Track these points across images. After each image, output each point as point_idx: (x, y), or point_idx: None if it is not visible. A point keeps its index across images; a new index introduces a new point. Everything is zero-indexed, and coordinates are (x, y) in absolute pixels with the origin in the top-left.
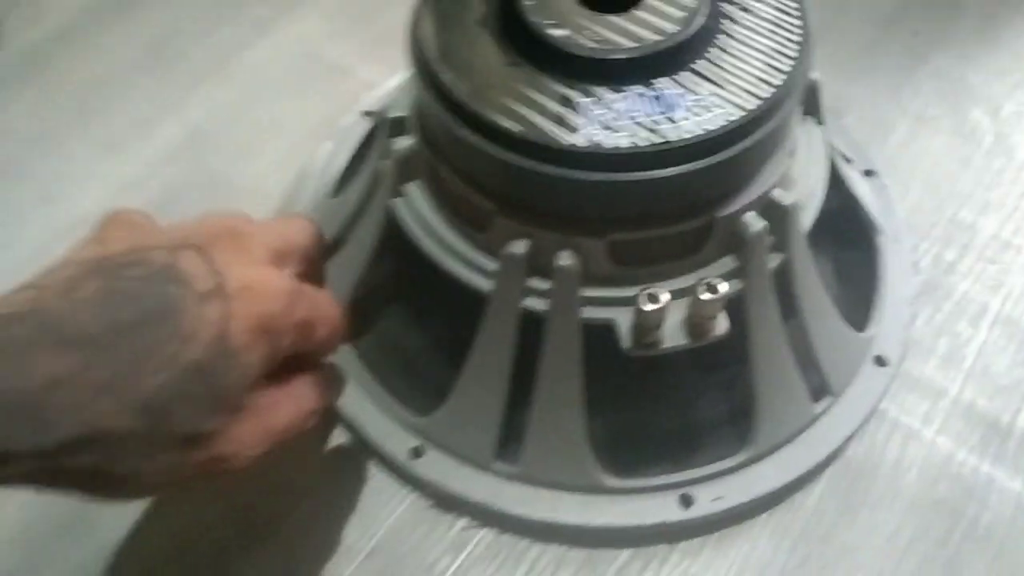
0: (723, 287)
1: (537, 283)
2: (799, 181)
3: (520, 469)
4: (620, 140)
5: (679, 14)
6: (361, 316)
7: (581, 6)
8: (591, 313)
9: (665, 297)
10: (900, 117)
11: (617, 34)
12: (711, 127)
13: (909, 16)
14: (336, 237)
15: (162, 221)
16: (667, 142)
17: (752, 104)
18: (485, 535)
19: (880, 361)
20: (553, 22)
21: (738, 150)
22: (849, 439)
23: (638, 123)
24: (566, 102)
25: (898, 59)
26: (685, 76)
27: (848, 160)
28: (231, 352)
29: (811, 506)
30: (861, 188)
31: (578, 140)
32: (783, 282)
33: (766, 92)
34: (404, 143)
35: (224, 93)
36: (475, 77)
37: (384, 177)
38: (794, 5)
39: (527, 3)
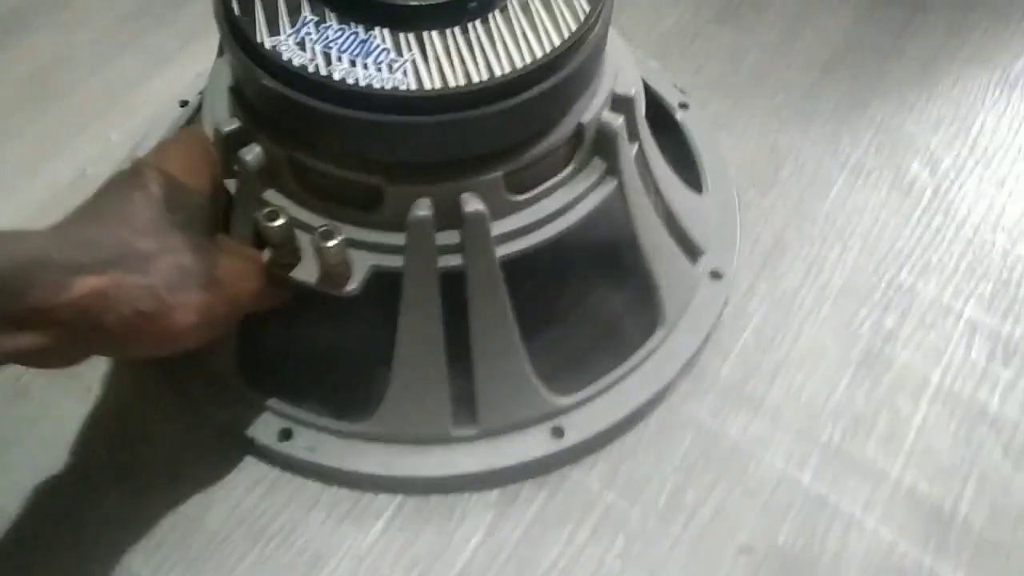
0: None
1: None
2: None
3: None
4: (296, 57)
5: None
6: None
7: None
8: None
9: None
10: (838, 170)
11: None
12: (375, 84)
13: (848, 60)
14: None
15: None
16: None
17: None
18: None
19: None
20: None
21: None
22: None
23: (324, 51)
24: (294, 12)
25: (837, 104)
26: (417, 36)
27: None
28: (181, 185)
29: None
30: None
31: (269, 43)
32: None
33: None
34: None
35: (117, 133)
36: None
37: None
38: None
39: None
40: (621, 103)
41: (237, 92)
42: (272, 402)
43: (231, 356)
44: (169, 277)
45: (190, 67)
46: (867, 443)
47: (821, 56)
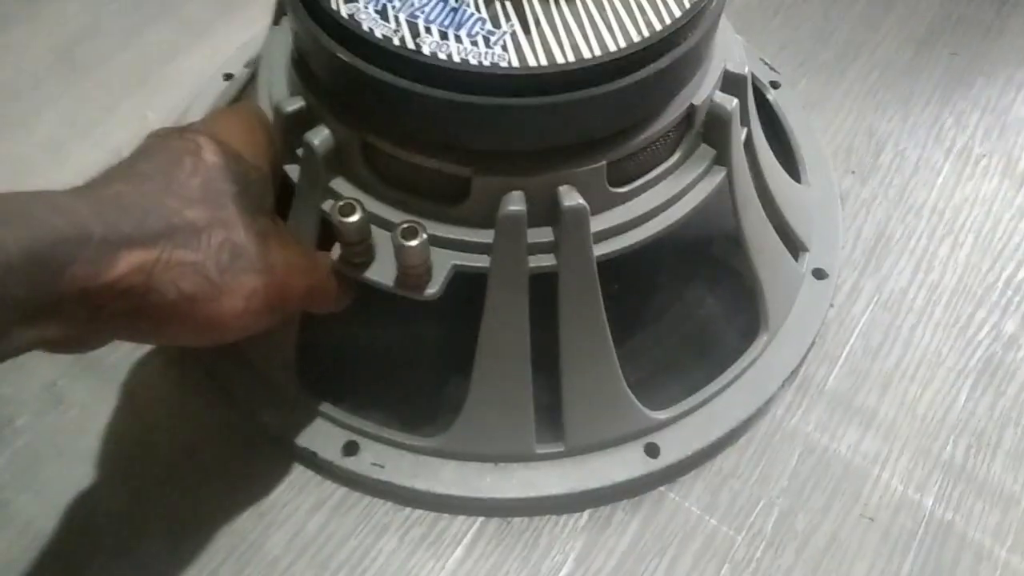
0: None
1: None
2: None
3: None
4: (377, 27)
5: None
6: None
7: None
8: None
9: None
10: (943, 156)
11: None
12: (472, 60)
13: (947, 35)
14: None
15: None
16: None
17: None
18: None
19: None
20: None
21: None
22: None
23: (408, 20)
24: None
25: (937, 84)
26: (515, 3)
27: None
28: (237, 156)
29: None
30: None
31: (346, 10)
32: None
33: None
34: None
35: (154, 111)
36: None
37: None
38: None
39: None
40: (734, 83)
41: (301, 66)
42: (334, 411)
43: (289, 358)
44: (220, 255)
45: (229, 38)
46: (993, 462)
47: (916, 31)
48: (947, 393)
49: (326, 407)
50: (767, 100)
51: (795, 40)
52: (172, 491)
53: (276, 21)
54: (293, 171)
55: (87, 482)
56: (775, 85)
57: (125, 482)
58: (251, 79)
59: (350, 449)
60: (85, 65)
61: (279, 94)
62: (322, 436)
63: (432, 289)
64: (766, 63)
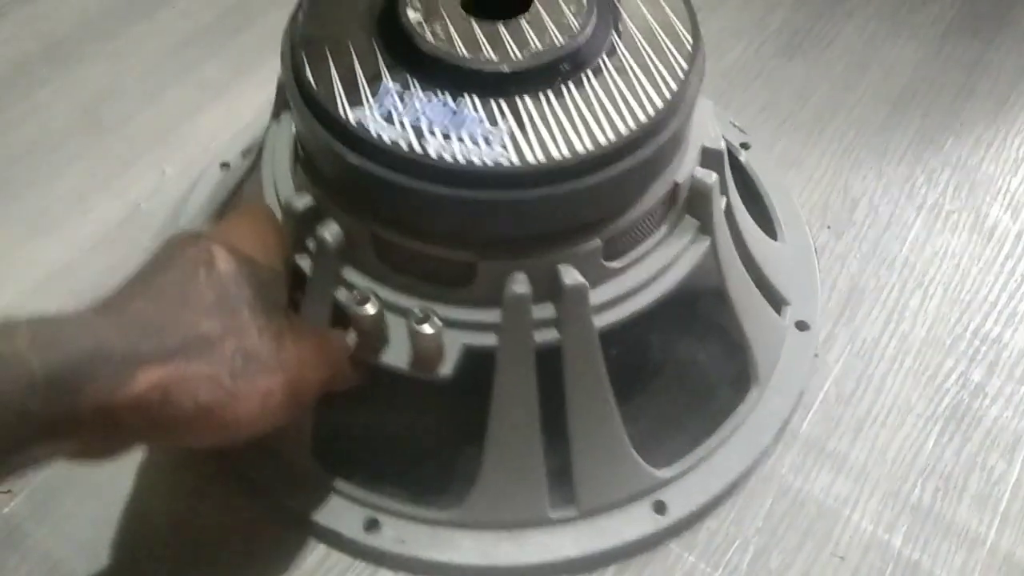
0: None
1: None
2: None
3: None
4: (385, 133)
5: (553, 37)
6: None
7: (464, 12)
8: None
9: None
10: (915, 212)
11: (467, 41)
12: (475, 160)
13: (919, 97)
14: None
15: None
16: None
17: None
18: None
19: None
20: (418, 16)
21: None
22: None
23: (414, 125)
24: (375, 79)
25: (910, 143)
26: (510, 103)
27: None
28: (250, 260)
29: None
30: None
31: (353, 116)
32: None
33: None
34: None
35: (171, 167)
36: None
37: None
38: (681, 64)
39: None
40: (712, 157)
41: (308, 164)
42: (353, 489)
43: (305, 439)
44: (233, 363)
45: (241, 98)
46: (959, 505)
47: (890, 92)
48: (916, 438)
49: (344, 486)
50: (739, 162)
51: (775, 102)
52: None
53: (275, 115)
54: (303, 261)
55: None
56: (745, 146)
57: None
58: (251, 171)
59: (371, 526)
60: (108, 123)
61: (286, 190)
62: (343, 515)
63: (445, 370)
64: (736, 126)
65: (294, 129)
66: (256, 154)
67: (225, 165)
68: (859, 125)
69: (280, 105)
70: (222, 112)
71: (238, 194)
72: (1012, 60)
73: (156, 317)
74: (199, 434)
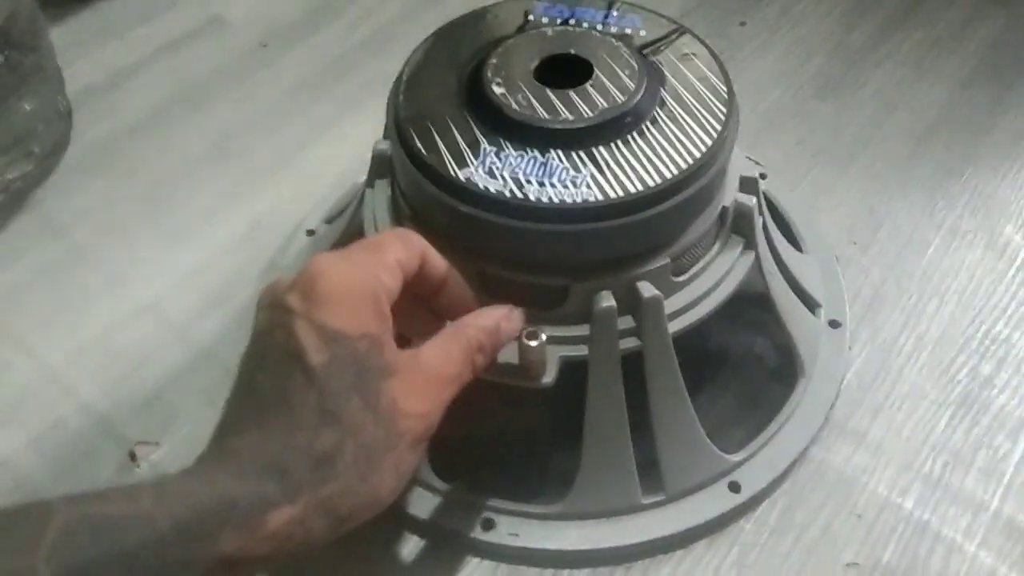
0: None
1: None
2: None
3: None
4: (491, 185)
5: (615, 97)
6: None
7: (536, 81)
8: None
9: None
10: (935, 231)
11: (546, 106)
12: (567, 200)
13: (943, 134)
14: None
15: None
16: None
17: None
18: None
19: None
20: (503, 89)
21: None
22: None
23: (513, 177)
24: (474, 144)
25: (933, 172)
26: (588, 153)
27: None
28: (338, 336)
29: None
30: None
31: (462, 175)
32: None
33: (641, 186)
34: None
35: (288, 190)
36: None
37: None
38: (721, 109)
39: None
40: (749, 184)
41: (415, 219)
42: (467, 494)
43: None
44: (358, 466)
45: (345, 133)
46: (967, 476)
47: (916, 130)
48: (929, 420)
49: (459, 491)
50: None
51: (810, 137)
52: None
53: (370, 184)
54: None
55: None
56: (763, 176)
57: None
58: (346, 234)
59: (487, 524)
60: (234, 154)
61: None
62: (462, 516)
63: (548, 378)
64: (751, 159)
65: (389, 192)
66: (348, 219)
67: (311, 232)
68: (886, 158)
69: (374, 175)
70: (330, 143)
71: None
72: None
73: (272, 452)
74: (346, 528)
